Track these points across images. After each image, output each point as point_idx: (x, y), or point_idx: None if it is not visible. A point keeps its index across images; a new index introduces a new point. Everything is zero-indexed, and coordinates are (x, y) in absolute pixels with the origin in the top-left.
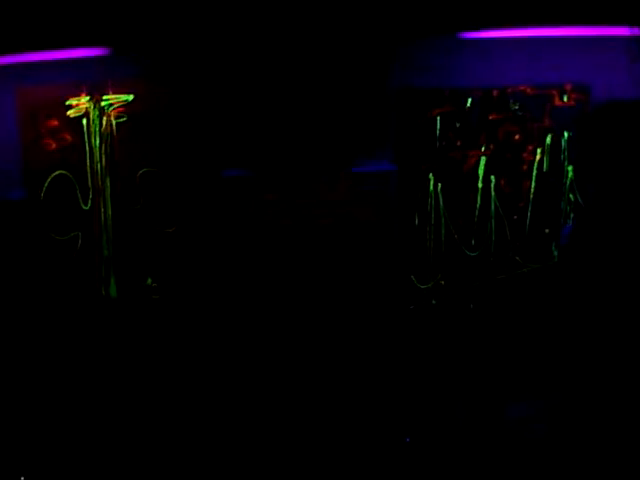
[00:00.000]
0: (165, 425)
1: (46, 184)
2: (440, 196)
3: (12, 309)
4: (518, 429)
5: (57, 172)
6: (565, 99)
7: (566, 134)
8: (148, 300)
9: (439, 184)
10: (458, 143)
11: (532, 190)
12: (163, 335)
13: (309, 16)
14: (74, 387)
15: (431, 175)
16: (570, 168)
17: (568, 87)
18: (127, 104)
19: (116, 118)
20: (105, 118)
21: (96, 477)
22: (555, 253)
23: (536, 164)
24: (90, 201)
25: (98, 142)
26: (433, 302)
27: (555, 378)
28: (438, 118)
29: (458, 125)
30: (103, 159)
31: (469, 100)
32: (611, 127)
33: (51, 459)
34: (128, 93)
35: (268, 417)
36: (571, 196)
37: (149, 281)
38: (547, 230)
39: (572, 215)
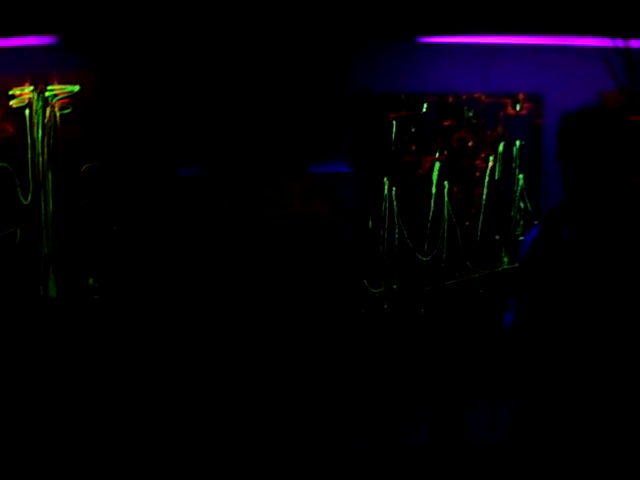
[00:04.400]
0: (107, 425)
1: None
2: (394, 200)
3: None
4: (470, 430)
5: None
6: (518, 108)
7: (518, 143)
8: (89, 300)
9: (393, 188)
10: (413, 148)
11: (484, 197)
12: (104, 336)
13: (268, 14)
14: (9, 389)
15: (386, 179)
16: (521, 176)
17: (521, 96)
18: (73, 95)
19: (61, 109)
20: (49, 109)
21: None
22: (505, 259)
23: (488, 171)
24: (30, 196)
25: (41, 134)
26: (385, 306)
27: (505, 381)
28: (394, 122)
29: (413, 130)
30: (45, 152)
31: (425, 105)
32: (563, 136)
33: None
34: (74, 84)
35: (211, 421)
36: (521, 204)
37: (91, 281)
38: (497, 237)
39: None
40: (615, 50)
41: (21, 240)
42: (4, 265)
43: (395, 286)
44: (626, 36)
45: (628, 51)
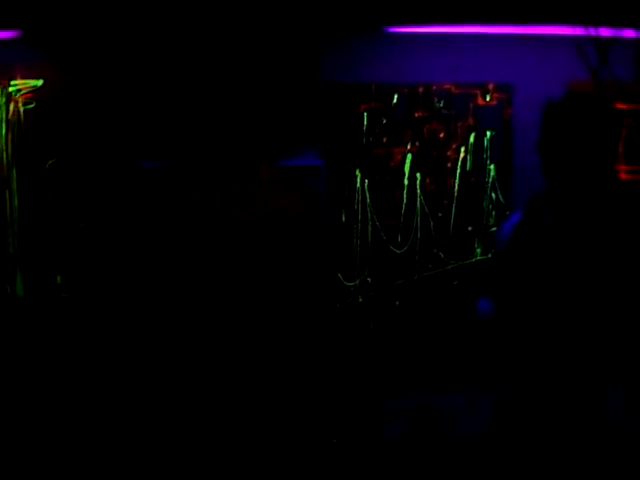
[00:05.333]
0: (75, 426)
1: None
2: (367, 193)
3: None
4: (443, 421)
5: None
6: (488, 98)
7: (489, 133)
8: (57, 299)
9: (366, 180)
10: (384, 140)
11: (456, 188)
12: (73, 335)
13: (235, 5)
14: None
15: (358, 171)
16: (492, 167)
17: (491, 86)
18: (36, 90)
19: (24, 104)
20: (12, 104)
21: None
22: (478, 250)
23: (460, 162)
24: None
25: (4, 130)
26: (360, 300)
27: (479, 373)
28: (365, 114)
29: (384, 121)
30: (9, 148)
31: (395, 96)
32: (547, 124)
33: None
34: (37, 78)
35: (185, 417)
36: (493, 195)
37: (58, 279)
38: (470, 228)
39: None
40: (586, 39)
41: None
42: None
43: (369, 279)
44: (596, 24)
45: (598, 39)
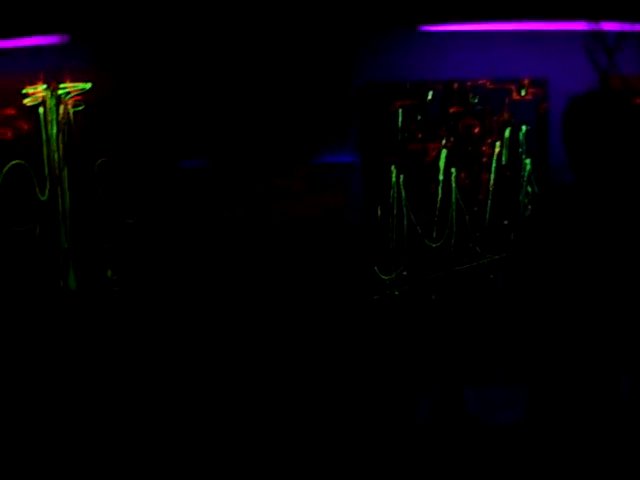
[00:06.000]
0: (125, 417)
1: (2, 174)
2: (402, 188)
3: None
4: (482, 416)
5: (13, 162)
6: (523, 93)
7: (524, 128)
8: (108, 292)
9: (401, 176)
10: (419, 136)
11: (491, 182)
12: (124, 327)
13: (271, 6)
14: (34, 379)
15: (393, 167)
16: (528, 161)
17: (526, 81)
18: (84, 93)
19: (73, 107)
20: (62, 107)
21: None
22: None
23: (495, 157)
24: (47, 191)
25: (55, 131)
26: (396, 293)
27: (513, 365)
28: (400, 111)
29: (419, 118)
30: (60, 148)
31: (430, 93)
32: (570, 118)
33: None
34: (85, 81)
35: (229, 411)
36: (529, 188)
37: (109, 273)
38: (506, 221)
39: (530, 207)
40: (594, 34)
41: (40, 235)
42: (25, 259)
43: (405, 273)
44: (596, 19)
45: (602, 35)
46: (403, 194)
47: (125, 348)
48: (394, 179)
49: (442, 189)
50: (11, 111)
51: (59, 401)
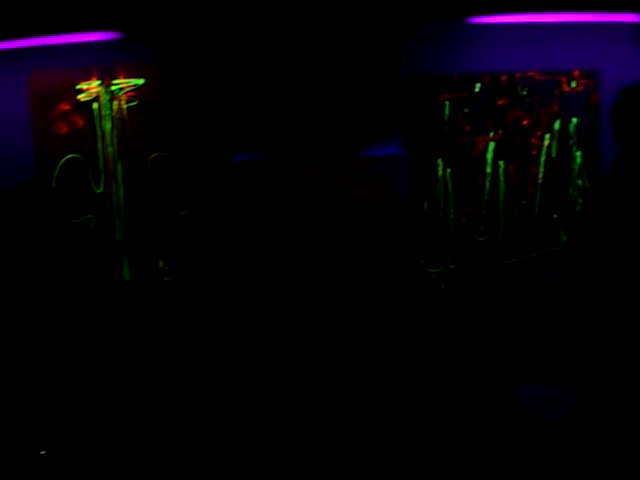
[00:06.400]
0: (176, 409)
1: (58, 168)
2: (449, 181)
3: (30, 289)
4: (531, 410)
5: (69, 156)
6: (574, 85)
7: (574, 120)
8: (160, 282)
9: (448, 169)
10: (467, 128)
11: (541, 175)
12: (175, 317)
13: (319, 1)
14: (90, 367)
15: (440, 160)
16: (579, 154)
17: (577, 73)
18: (137, 88)
19: (127, 102)
20: (116, 102)
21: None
22: (564, 238)
23: (545, 150)
24: (102, 184)
25: (109, 126)
26: (442, 286)
27: (565, 361)
28: (447, 103)
29: (467, 110)
30: (115, 143)
31: (477, 85)
32: (619, 110)
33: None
34: (138, 77)
35: (282, 403)
36: (579, 181)
37: (161, 264)
38: (555, 215)
39: (580, 200)
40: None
41: (95, 226)
42: (80, 250)
43: (452, 266)
44: None
45: None
46: (450, 187)
47: (176, 336)
48: (441, 172)
49: (490, 182)
50: (66, 106)
51: (112, 385)
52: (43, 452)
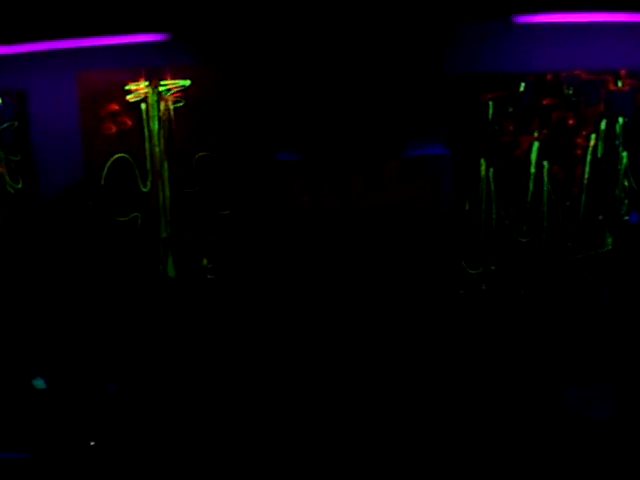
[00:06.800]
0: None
1: (107, 167)
2: (492, 181)
3: (79, 284)
4: (577, 411)
5: (117, 155)
6: (620, 84)
7: (621, 120)
8: (204, 280)
9: (491, 169)
10: (510, 128)
11: (586, 176)
12: (217, 313)
13: (364, 2)
14: (134, 360)
15: (483, 160)
16: (625, 154)
17: (623, 72)
18: (184, 89)
19: (174, 103)
20: (163, 103)
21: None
22: (609, 240)
23: (590, 150)
24: (149, 183)
25: (156, 126)
26: (483, 287)
27: (610, 363)
28: (490, 103)
29: (511, 110)
30: (161, 143)
31: (522, 85)
32: None
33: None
34: (185, 78)
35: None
36: (626, 182)
37: (205, 261)
38: (601, 217)
39: (626, 202)
40: None
41: (142, 224)
42: (127, 247)
43: (493, 267)
44: None
45: None
46: (492, 187)
47: (218, 332)
48: (483, 172)
49: (533, 183)
50: (115, 107)
51: (155, 376)
52: (92, 443)
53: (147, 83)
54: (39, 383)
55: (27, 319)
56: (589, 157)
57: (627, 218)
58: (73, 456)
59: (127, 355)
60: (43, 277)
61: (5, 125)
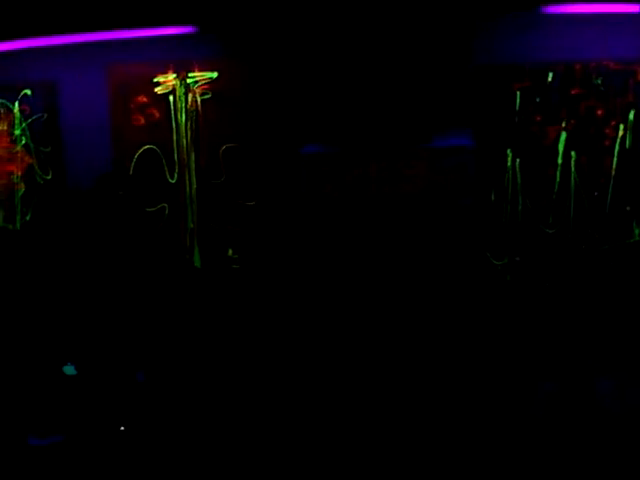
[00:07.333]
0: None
1: (135, 158)
2: (518, 172)
3: (108, 273)
4: (605, 402)
5: (145, 147)
6: None
7: None
8: (229, 270)
9: (517, 160)
10: (538, 118)
11: (614, 167)
12: (242, 303)
13: None
14: (163, 347)
15: (509, 150)
16: None
17: None
18: (211, 81)
19: (201, 95)
20: (190, 95)
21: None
22: (637, 231)
23: (618, 140)
24: (176, 175)
25: (184, 118)
26: (508, 278)
27: (633, 355)
28: (518, 93)
29: (538, 100)
30: (188, 135)
31: (550, 75)
32: None
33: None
34: (212, 71)
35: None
36: None
37: (230, 252)
38: (628, 208)
39: None
40: None
41: (169, 215)
42: (155, 237)
43: (518, 258)
44: None
45: None
46: (519, 178)
47: (243, 320)
48: (510, 162)
49: (560, 173)
50: (144, 99)
51: (180, 365)
52: (122, 428)
53: (175, 75)
54: (70, 369)
55: (58, 307)
56: (617, 148)
57: None
58: (103, 441)
59: (155, 343)
60: (73, 266)
61: (35, 117)
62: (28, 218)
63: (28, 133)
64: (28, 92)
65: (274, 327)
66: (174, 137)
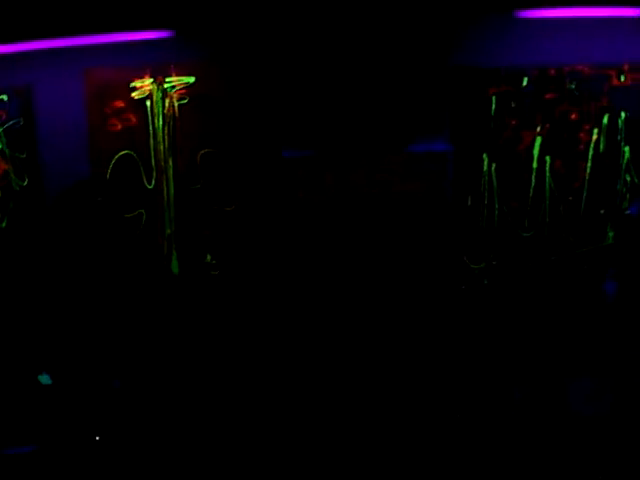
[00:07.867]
0: (222, 394)
1: (112, 164)
2: (494, 176)
3: (84, 280)
4: (577, 406)
5: (122, 152)
6: (622, 79)
7: (623, 114)
8: (207, 276)
9: (493, 164)
10: (513, 123)
11: (588, 171)
12: (221, 309)
13: None
14: (137, 357)
15: (485, 155)
16: (627, 149)
17: (626, 67)
18: (189, 86)
19: (178, 100)
20: (168, 100)
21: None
22: (610, 234)
23: (592, 144)
24: (154, 180)
25: (161, 123)
26: (485, 282)
27: (610, 357)
28: (493, 98)
29: (513, 105)
30: (166, 140)
31: (525, 79)
32: None
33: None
34: (190, 75)
35: (319, 387)
36: (627, 177)
37: (208, 258)
38: (602, 211)
39: (628, 196)
40: None
41: (146, 221)
42: (132, 244)
43: (495, 262)
44: None
45: None
46: (495, 182)
47: (222, 329)
48: (486, 167)
49: (536, 177)
50: (120, 104)
51: (158, 374)
52: (97, 438)
53: (152, 80)
54: (45, 379)
55: (33, 316)
56: (591, 152)
57: (628, 212)
58: (78, 451)
59: (132, 351)
60: (48, 274)
61: (11, 122)
62: (4, 225)
63: (4, 139)
64: (4, 97)
65: (253, 333)
66: (151, 142)
